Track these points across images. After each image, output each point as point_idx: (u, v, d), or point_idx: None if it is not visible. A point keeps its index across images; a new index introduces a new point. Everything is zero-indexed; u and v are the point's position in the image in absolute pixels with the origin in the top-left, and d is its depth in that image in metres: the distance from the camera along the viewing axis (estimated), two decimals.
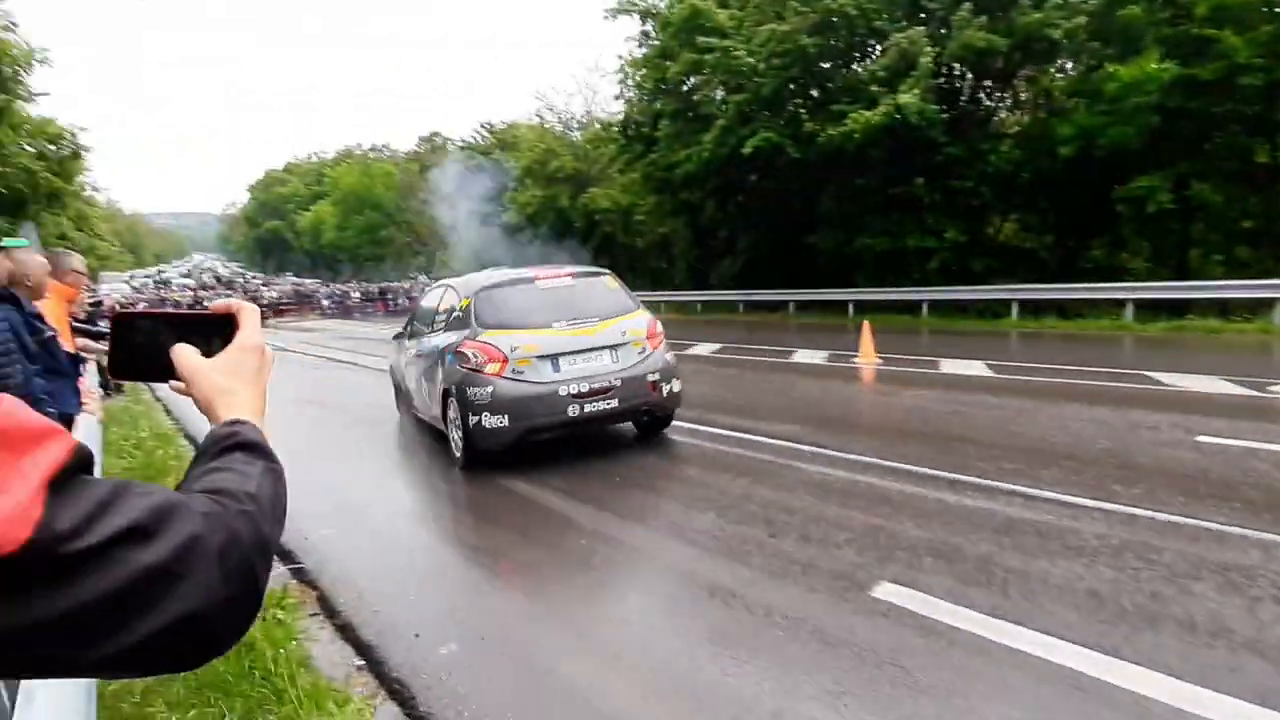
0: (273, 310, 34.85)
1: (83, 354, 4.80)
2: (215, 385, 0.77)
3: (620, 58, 26.25)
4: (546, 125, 39.22)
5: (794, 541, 4.05)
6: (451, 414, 5.81)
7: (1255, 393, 7.28)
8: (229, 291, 38.40)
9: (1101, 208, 16.02)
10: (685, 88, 22.02)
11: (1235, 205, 14.62)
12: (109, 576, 0.47)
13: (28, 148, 16.20)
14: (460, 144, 49.43)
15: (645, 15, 23.67)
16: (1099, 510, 4.27)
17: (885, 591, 3.38)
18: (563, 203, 33.61)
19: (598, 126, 36.40)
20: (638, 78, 25.07)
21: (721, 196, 23.68)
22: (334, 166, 72.81)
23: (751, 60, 18.55)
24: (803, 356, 11.81)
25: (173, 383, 0.79)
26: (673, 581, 3.65)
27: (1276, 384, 7.38)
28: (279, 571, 4.09)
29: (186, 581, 0.51)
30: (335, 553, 4.30)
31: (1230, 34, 12.94)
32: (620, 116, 28.48)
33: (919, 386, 8.54)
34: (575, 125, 38.95)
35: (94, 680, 1.71)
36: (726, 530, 4.28)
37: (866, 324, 11.60)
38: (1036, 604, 3.20)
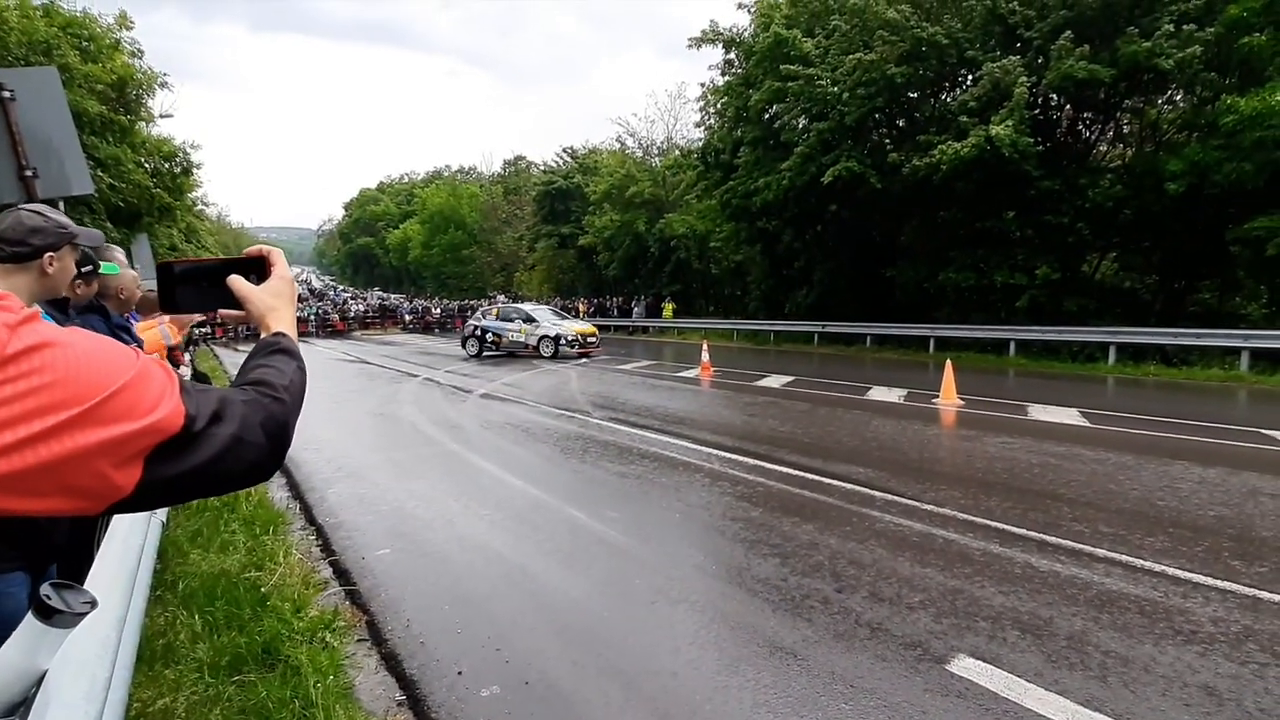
0: (358, 323, 36.28)
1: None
2: (266, 304, 1.05)
3: (703, 85, 26.40)
4: (627, 150, 39.75)
5: (863, 599, 3.76)
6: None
7: None
8: (319, 302, 40.24)
9: (1213, 248, 14.90)
10: (767, 115, 21.89)
11: None
12: (214, 440, 0.76)
13: (145, 165, 17.42)
14: (543, 168, 50.68)
15: (730, 44, 23.73)
16: (1215, 589, 3.81)
17: (964, 667, 3.06)
18: (639, 227, 33.89)
19: (677, 153, 36.63)
20: (719, 105, 25.13)
21: (799, 225, 23.33)
22: (424, 187, 75.97)
23: (835, 89, 18.29)
24: (879, 394, 11.34)
25: (222, 311, 1.07)
26: (729, 634, 3.42)
27: None
28: (334, 592, 4.08)
29: (246, 443, 0.79)
30: (390, 575, 4.27)
31: None
32: (700, 143, 28.54)
33: (1005, 433, 8.01)
34: (655, 151, 39.31)
35: (123, 702, 1.68)
36: (790, 581, 4.02)
37: (949, 363, 11.05)
38: (1140, 696, 2.83)
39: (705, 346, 16.09)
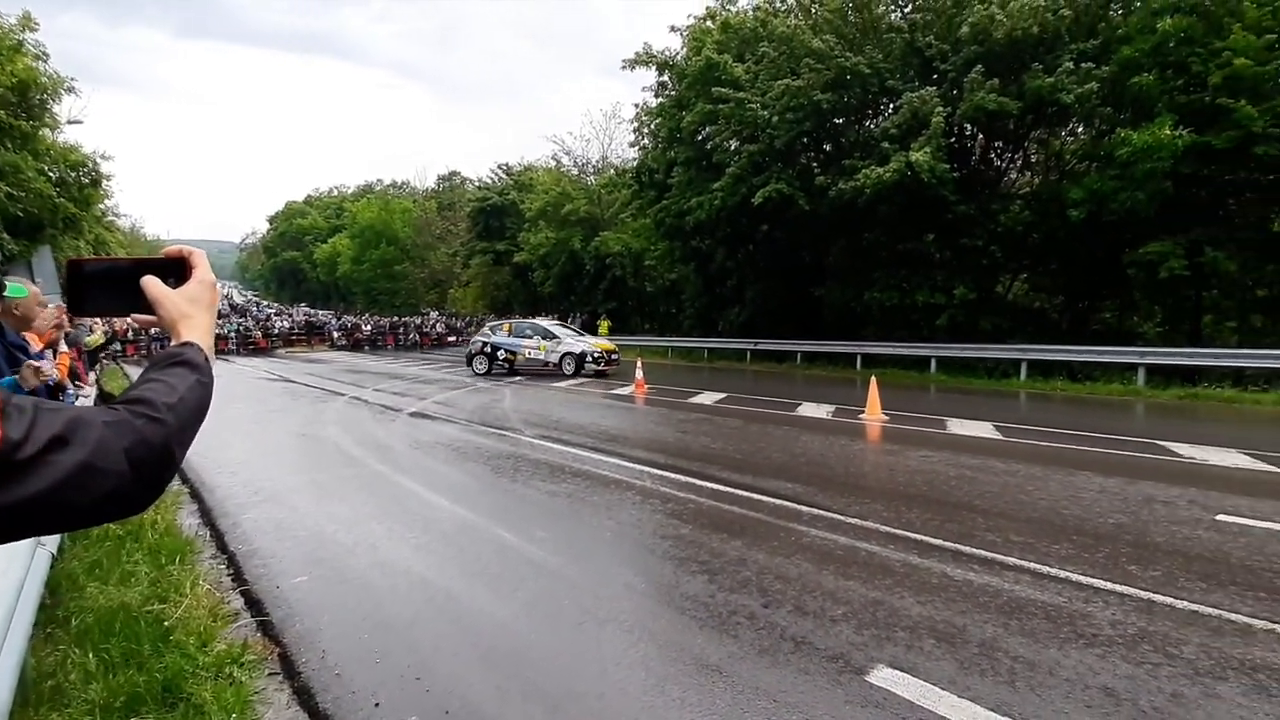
0: (283, 340, 34.93)
1: (68, 384, 4.68)
2: (180, 310, 0.96)
3: (637, 106, 26.75)
4: (563, 168, 39.80)
5: (788, 613, 3.82)
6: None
7: (1277, 469, 7.02)
8: (241, 319, 38.60)
9: (1112, 271, 15.93)
10: (699, 137, 22.31)
11: (1250, 273, 14.48)
12: (52, 469, 0.68)
13: (49, 173, 16.41)
14: (478, 184, 50.20)
15: (663, 66, 24.14)
16: (1114, 594, 4.03)
17: (882, 677, 3.14)
18: (575, 245, 33.89)
19: (612, 172, 36.90)
20: (653, 126, 25.47)
21: (732, 245, 23.78)
22: (354, 201, 74.06)
23: (765, 113, 18.79)
24: (808, 410, 11.61)
25: (134, 315, 0.99)
26: (656, 653, 3.41)
27: None
28: (244, 623, 3.88)
29: (99, 471, 0.71)
30: (307, 604, 4.09)
31: (1245, 104, 12.97)
32: (635, 163, 28.85)
33: (925, 447, 8.32)
34: (591, 170, 39.49)
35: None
36: (718, 598, 4.05)
37: (874, 379, 11.42)
38: (1046, 700, 2.96)
39: (639, 364, 16.16)
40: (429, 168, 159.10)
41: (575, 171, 39.56)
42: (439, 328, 42.15)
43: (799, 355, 20.89)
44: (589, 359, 17.81)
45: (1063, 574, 4.32)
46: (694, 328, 27.36)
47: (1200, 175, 14.10)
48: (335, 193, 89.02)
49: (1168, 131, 13.30)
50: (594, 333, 32.88)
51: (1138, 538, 4.95)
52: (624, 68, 24.60)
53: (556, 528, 5.43)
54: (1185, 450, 7.92)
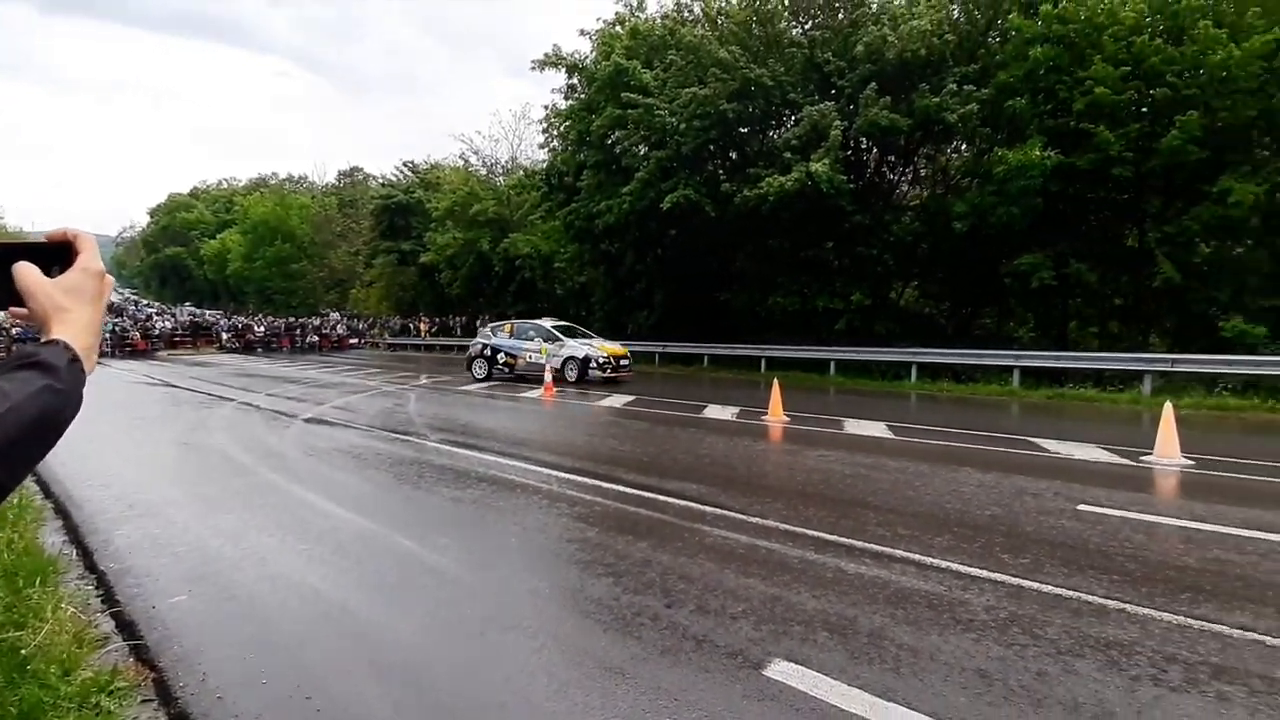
0: (164, 341, 32.58)
1: None
2: (55, 303, 0.84)
3: (547, 108, 26.60)
4: (471, 168, 39.05)
5: (690, 612, 3.89)
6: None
7: (1129, 462, 7.74)
8: (117, 319, 35.70)
9: (992, 280, 17.14)
10: (609, 141, 22.42)
11: (1108, 284, 15.92)
12: None
13: None
14: (382, 181, 48.45)
15: (572, 69, 24.12)
16: (988, 581, 4.33)
17: (779, 670, 3.25)
18: (483, 246, 33.32)
19: (522, 173, 36.51)
20: (562, 128, 25.40)
21: (641, 249, 24.02)
22: (246, 194, 69.95)
23: (673, 120, 19.10)
24: (713, 412, 11.87)
25: (12, 309, 0.86)
26: (560, 658, 3.41)
27: (1148, 454, 7.86)
28: (115, 648, 3.60)
29: None
30: (186, 625, 3.83)
31: (1104, 129, 14.24)
32: (544, 165, 28.68)
33: (823, 447, 8.67)
34: (500, 170, 38.93)
35: None
36: (622, 600, 4.08)
37: (776, 381, 11.80)
38: (926, 684, 3.14)
39: (549, 367, 16.07)
40: (329, 162, 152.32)
41: (484, 172, 38.89)
42: (340, 329, 40.49)
43: (706, 358, 21.32)
44: (594, 364, 16.50)
45: (944, 564, 4.60)
46: (604, 330, 27.21)
47: (1066, 193, 15.39)
48: (225, 185, 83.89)
49: (1038, 152, 14.46)
50: None
51: (1010, 528, 5.34)
52: (533, 69, 24.48)
53: (460, 535, 5.32)
54: (1052, 446, 8.61)
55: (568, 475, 7.15)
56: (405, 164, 45.51)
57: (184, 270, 78.58)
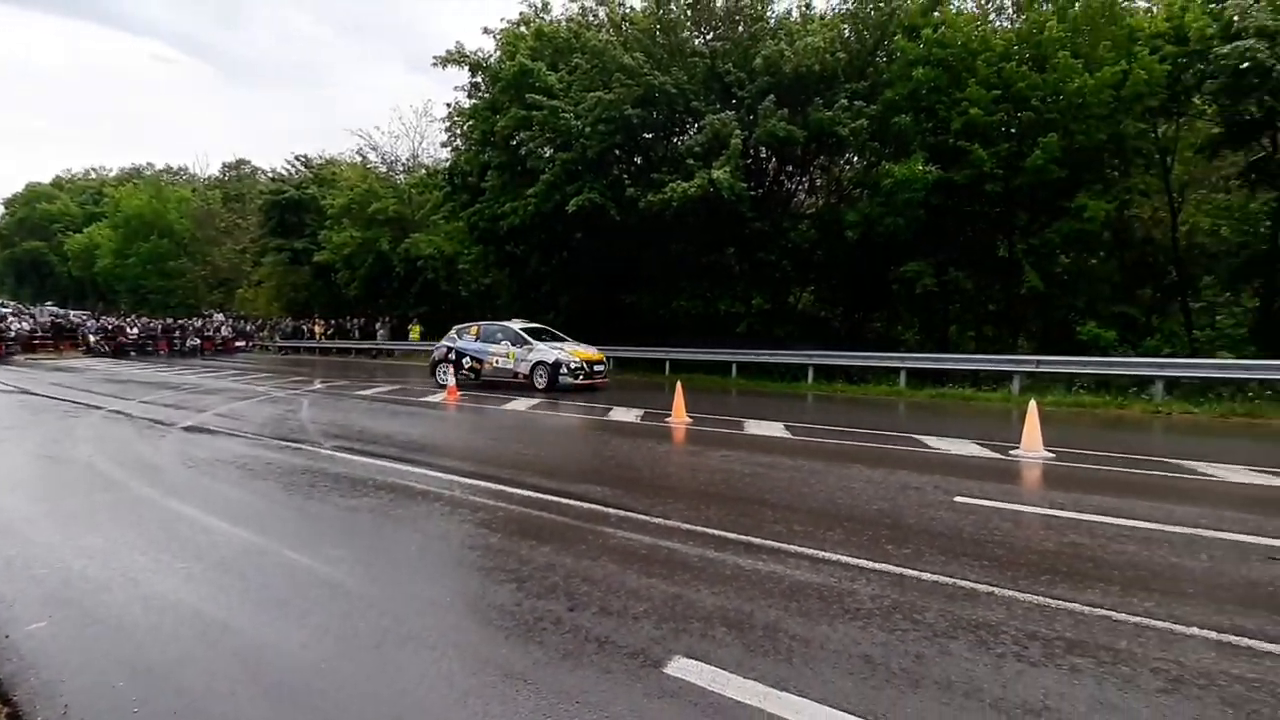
0: (21, 344, 29.57)
1: None
2: None
3: (449, 105, 26.03)
4: (369, 165, 37.64)
5: (593, 615, 3.92)
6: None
7: (1000, 456, 8.37)
8: None
9: (881, 285, 18.13)
10: (513, 142, 22.13)
11: (983, 290, 17.17)
12: None
13: None
14: (271, 175, 45.89)
15: (475, 68, 23.70)
16: (874, 571, 4.58)
17: (678, 667, 3.33)
18: (383, 246, 32.21)
19: (424, 171, 35.55)
20: (466, 127, 24.92)
21: (546, 251, 23.89)
22: (118, 186, 64.48)
23: (578, 123, 19.10)
24: (618, 414, 11.96)
25: None
26: (459, 667, 3.36)
27: (1015, 448, 8.52)
28: None
29: None
30: (46, 653, 3.53)
31: (978, 148, 15.36)
32: (447, 164, 28.02)
33: (724, 447, 8.91)
34: (401, 168, 37.75)
35: None
36: (525, 605, 4.06)
37: (679, 383, 12.03)
38: (817, 672, 3.31)
39: (451, 370, 15.71)
40: (211, 153, 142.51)
41: (383, 169, 37.63)
42: (225, 331, 38.09)
43: (612, 360, 21.38)
44: (565, 370, 15.28)
45: (835, 557, 4.84)
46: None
47: (946, 206, 16.49)
48: (93, 175, 77.11)
49: (920, 167, 15.43)
50: (404, 337, 31.51)
51: (895, 521, 5.67)
52: (435, 65, 23.89)
53: (356, 545, 5.14)
54: (933, 442, 9.20)
55: (470, 481, 7.04)
56: (298, 158, 43.37)
57: (45, 266, 71.59)
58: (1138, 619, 3.84)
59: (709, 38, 20.51)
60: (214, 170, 62.67)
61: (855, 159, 19.63)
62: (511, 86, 20.93)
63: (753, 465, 7.80)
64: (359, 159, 38.23)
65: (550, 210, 20.29)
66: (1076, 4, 15.58)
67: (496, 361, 16.19)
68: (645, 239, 20.84)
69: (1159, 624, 3.78)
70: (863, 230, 16.57)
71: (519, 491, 6.62)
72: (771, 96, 17.22)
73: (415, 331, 31.32)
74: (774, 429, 10.45)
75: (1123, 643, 3.59)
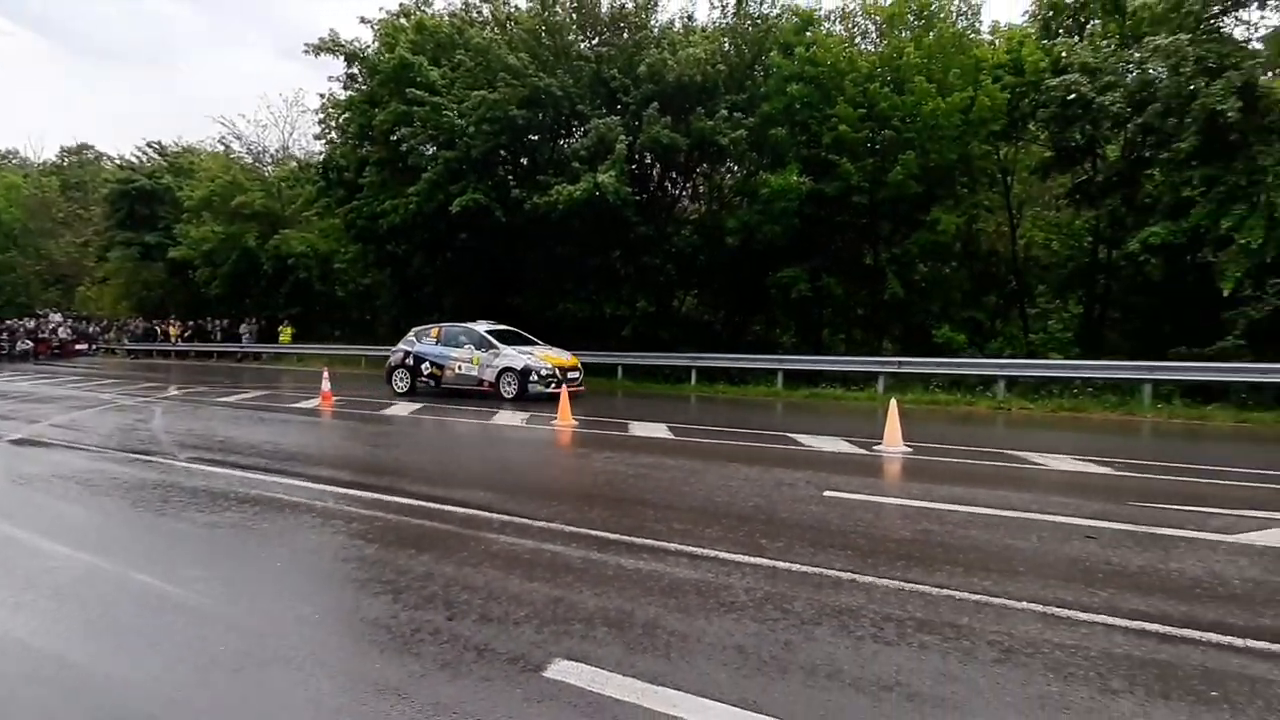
0: None
1: None
2: None
3: (323, 96, 24.71)
4: (233, 155, 35.12)
5: (473, 623, 3.88)
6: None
7: (864, 451, 8.95)
8: None
9: (759, 290, 18.90)
10: (393, 137, 21.35)
11: (852, 296, 18.31)
12: None
13: None
14: (119, 162, 41.75)
15: (352, 58, 22.67)
16: (749, 565, 4.79)
17: (559, 670, 3.36)
18: (249, 242, 30.17)
19: (295, 164, 33.63)
20: (342, 120, 23.78)
21: (429, 251, 23.25)
22: None
23: (462, 121, 18.71)
24: (504, 418, 11.82)
25: None
26: (329, 686, 3.23)
27: (878, 444, 9.14)
28: None
29: None
30: None
31: (846, 162, 16.36)
32: (321, 157, 26.61)
33: (609, 449, 9.01)
34: (269, 160, 35.51)
35: None
36: (401, 617, 3.96)
37: (565, 387, 12.04)
38: (693, 665, 3.43)
39: (326, 374, 14.95)
40: (48, 136, 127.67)
41: (249, 159, 35.25)
42: (64, 332, 34.47)
43: None
44: (534, 377, 13.99)
45: (712, 553, 5.02)
46: (390, 335, 26.12)
47: (819, 215, 17.46)
48: None
49: (795, 178, 16.26)
50: (274, 340, 29.63)
51: (769, 516, 5.95)
52: (307, 52, 22.64)
53: (214, 565, 4.82)
54: (806, 440, 9.71)
55: (344, 490, 6.75)
56: (150, 144, 39.72)
57: None
58: (977, 597, 4.23)
59: (594, 42, 20.64)
60: (50, 154, 56.40)
61: (736, 168, 20.37)
62: (391, 80, 20.20)
63: (636, 466, 7.94)
64: (221, 148, 35.61)
65: (433, 210, 19.74)
66: (930, 33, 16.94)
67: (459, 367, 14.85)
68: (531, 241, 20.68)
69: (995, 600, 4.18)
70: (742, 237, 17.23)
71: (398, 500, 6.42)
72: (655, 104, 17.57)
73: (286, 333, 29.56)
74: (658, 430, 10.67)
75: (964, 619, 3.94)
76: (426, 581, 4.49)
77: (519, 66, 18.35)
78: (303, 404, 13.63)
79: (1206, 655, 3.47)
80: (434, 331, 15.60)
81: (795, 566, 4.74)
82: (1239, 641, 3.58)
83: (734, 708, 3.04)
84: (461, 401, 14.19)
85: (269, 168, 34.84)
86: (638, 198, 18.66)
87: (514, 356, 14.44)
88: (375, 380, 19.56)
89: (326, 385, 14.11)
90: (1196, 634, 3.68)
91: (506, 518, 5.86)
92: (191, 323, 34.59)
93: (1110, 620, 3.86)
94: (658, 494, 6.70)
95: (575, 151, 18.44)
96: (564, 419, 11.06)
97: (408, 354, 15.53)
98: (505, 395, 14.09)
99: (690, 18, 20.63)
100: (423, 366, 15.19)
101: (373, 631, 3.79)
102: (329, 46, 22.38)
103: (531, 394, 13.89)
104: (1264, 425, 11.70)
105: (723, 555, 4.97)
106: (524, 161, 21.56)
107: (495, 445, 9.32)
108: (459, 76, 19.71)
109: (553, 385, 13.88)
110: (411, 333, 16.17)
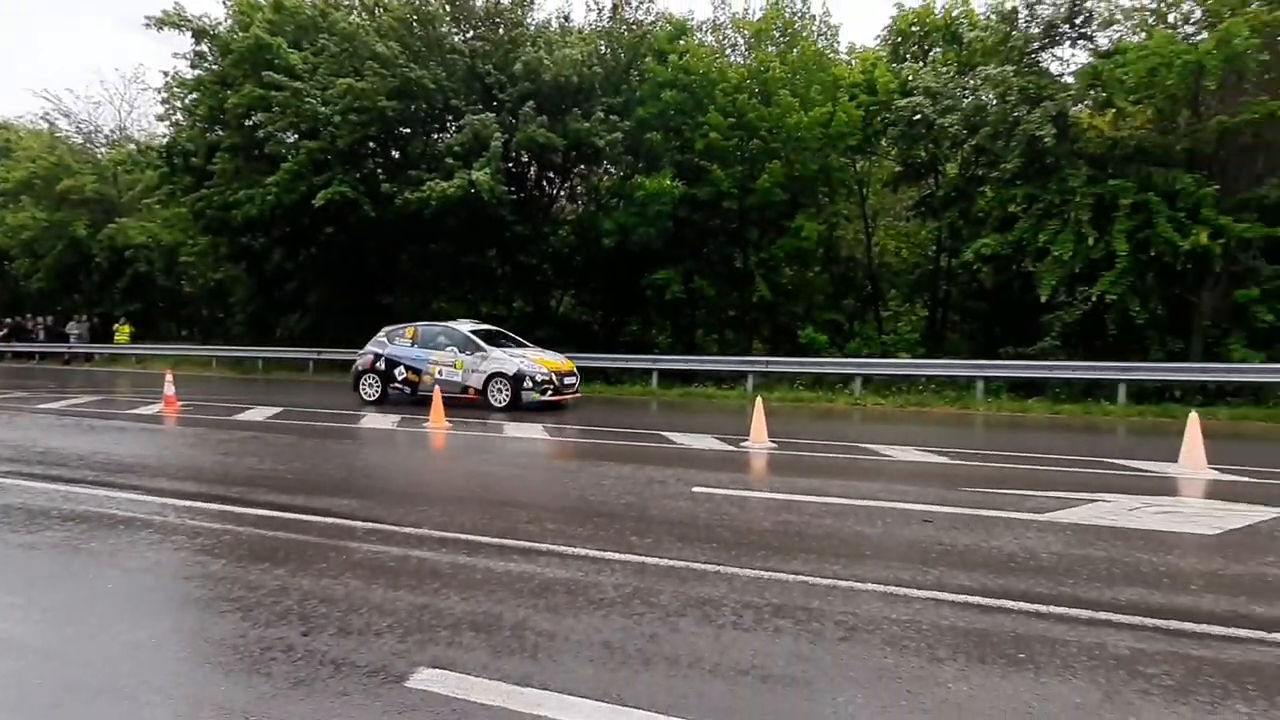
0: None
1: None
2: None
3: (167, 74, 22.59)
4: (60, 134, 31.42)
5: (330, 636, 3.73)
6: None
7: (732, 448, 9.35)
8: None
9: (635, 291, 19.24)
10: (249, 122, 19.92)
11: (723, 298, 19.02)
12: None
13: None
14: None
15: (200, 34, 20.90)
16: (619, 562, 4.90)
17: (422, 678, 3.31)
18: (79, 231, 27.19)
19: (133, 147, 30.56)
20: (188, 101, 21.89)
21: (291, 245, 21.94)
22: None
23: (326, 110, 17.76)
24: (373, 421, 11.37)
25: None
26: (168, 714, 3.02)
27: (746, 440, 9.56)
28: None
29: None
30: None
31: (717, 169, 16.98)
32: (165, 140, 24.33)
33: (483, 451, 8.90)
34: (103, 140, 32.09)
35: None
36: (250, 635, 3.74)
37: (437, 389, 11.73)
38: (560, 663, 3.47)
39: (170, 377, 13.74)
40: None
41: (79, 140, 31.69)
42: None
43: None
44: (529, 384, 12.69)
45: (584, 552, 5.09)
46: (246, 335, 24.48)
47: (692, 219, 18.02)
48: None
49: (669, 182, 16.72)
50: (109, 339, 26.82)
51: (640, 513, 6.10)
52: (148, 26, 20.63)
53: (33, 589, 4.35)
54: (678, 438, 10.01)
55: (189, 503, 6.26)
56: None
57: None
58: (828, 581, 4.54)
59: (469, 36, 20.19)
60: None
61: (613, 170, 20.60)
62: (246, 61, 18.87)
63: (511, 467, 7.90)
64: (45, 125, 31.77)
65: (295, 202, 18.63)
66: (794, 50, 17.91)
67: (440, 372, 13.27)
68: (404, 237, 19.98)
69: (843, 583, 4.51)
70: (618, 238, 17.47)
71: (251, 511, 6.04)
72: (532, 102, 17.45)
73: (123, 332, 26.86)
74: (533, 430, 10.62)
75: (815, 602, 4.23)
76: (280, 596, 4.27)
77: (388, 56, 17.65)
78: (141, 409, 12.46)
79: (1017, 622, 3.92)
80: (409, 331, 14.07)
81: (663, 561, 4.89)
82: (1044, 609, 4.07)
83: (599, 702, 3.12)
84: (325, 406, 13.50)
85: (102, 149, 31.50)
86: (514, 196, 18.48)
87: (504, 360, 13.07)
88: (229, 384, 18.25)
89: (170, 389, 12.96)
90: (1010, 604, 4.14)
91: (372, 525, 5.67)
92: (9, 320, 30.64)
93: (940, 595, 4.27)
94: (531, 494, 6.71)
95: (450, 147, 17.97)
96: (436, 421, 10.78)
97: (378, 357, 13.92)
98: (495, 404, 12.82)
99: (567, 18, 20.66)
100: (396, 371, 13.69)
101: (218, 653, 3.56)
102: (173, 20, 20.53)
103: (525, 403, 12.68)
104: (1073, 416, 13.28)
105: (593, 553, 5.05)
106: (395, 154, 20.78)
107: (362, 450, 8.95)
108: (323, 62, 18.68)
109: (549, 392, 12.83)
110: (382, 332, 14.51)
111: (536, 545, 5.22)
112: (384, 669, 3.40)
